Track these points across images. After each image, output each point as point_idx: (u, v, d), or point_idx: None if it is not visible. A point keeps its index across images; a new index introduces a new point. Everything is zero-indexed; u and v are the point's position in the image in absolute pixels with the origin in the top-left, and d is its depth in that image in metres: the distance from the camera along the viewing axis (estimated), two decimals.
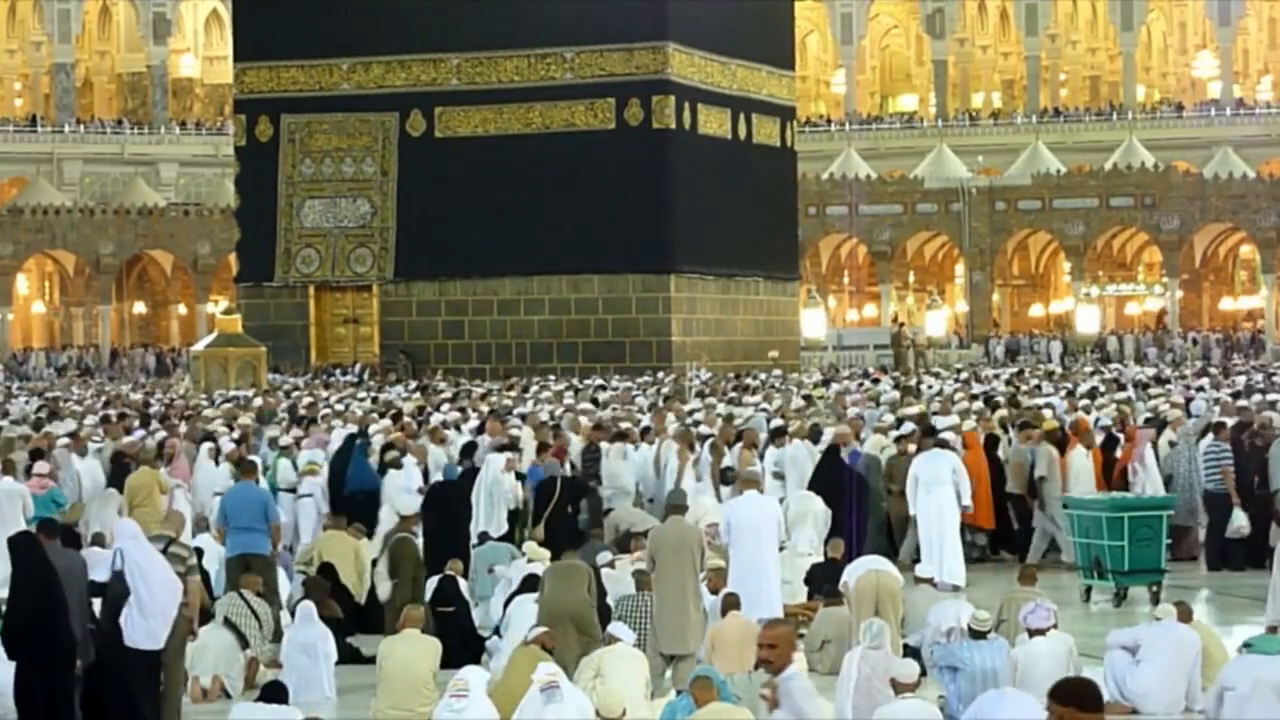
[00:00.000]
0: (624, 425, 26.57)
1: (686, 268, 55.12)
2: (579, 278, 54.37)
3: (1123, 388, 35.59)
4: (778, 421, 26.49)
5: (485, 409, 31.82)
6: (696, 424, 26.86)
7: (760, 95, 59.14)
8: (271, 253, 56.32)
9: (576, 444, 24.93)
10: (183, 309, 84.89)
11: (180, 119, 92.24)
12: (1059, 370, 51.34)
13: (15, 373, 69.84)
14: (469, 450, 23.97)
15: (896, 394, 34.29)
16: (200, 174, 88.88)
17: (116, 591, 13.66)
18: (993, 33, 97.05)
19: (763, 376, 45.31)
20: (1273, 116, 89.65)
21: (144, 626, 13.58)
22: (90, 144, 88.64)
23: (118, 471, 23.14)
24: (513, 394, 38.47)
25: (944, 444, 21.64)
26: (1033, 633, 14.34)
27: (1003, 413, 26.59)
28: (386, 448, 23.30)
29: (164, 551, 14.43)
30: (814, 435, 24.28)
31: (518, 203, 53.69)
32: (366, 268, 56.03)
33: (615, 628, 14.62)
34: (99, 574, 14.05)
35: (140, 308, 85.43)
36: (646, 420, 27.76)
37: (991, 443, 23.74)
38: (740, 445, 23.85)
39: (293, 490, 23.41)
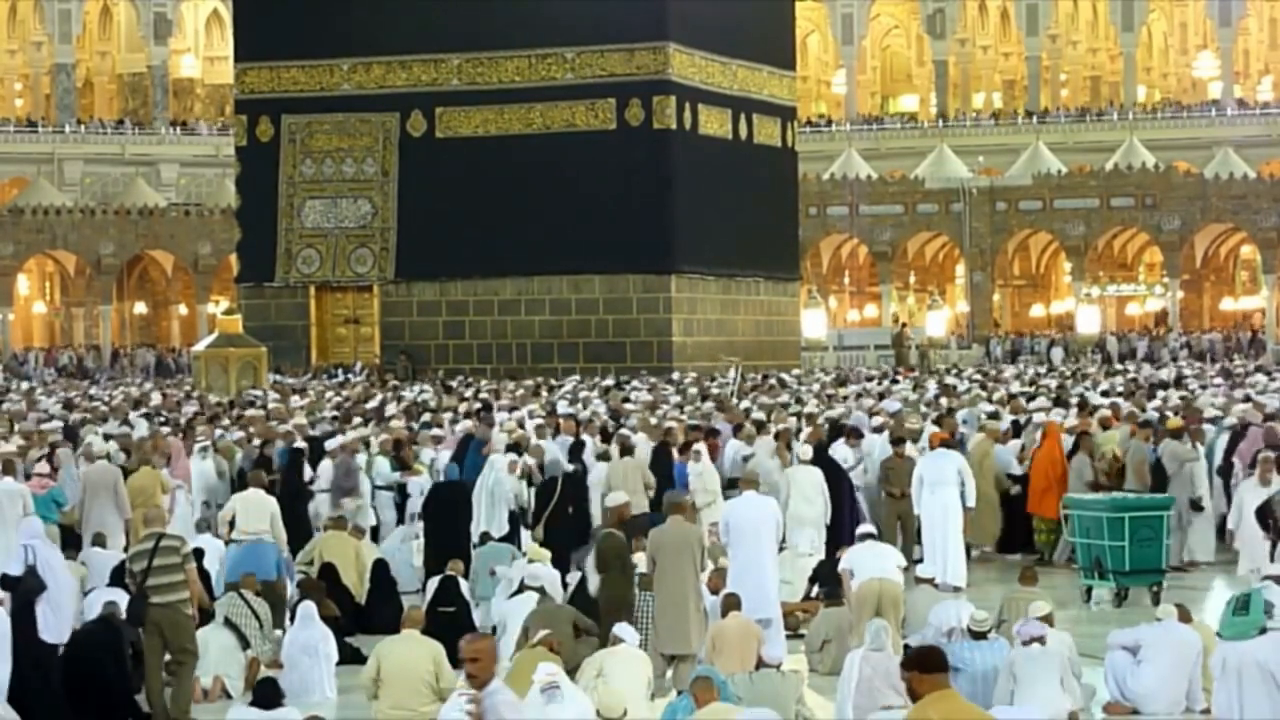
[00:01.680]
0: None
1: (687, 268, 55.10)
2: (580, 278, 54.35)
3: (1155, 386, 35.79)
4: (876, 420, 26.56)
5: (532, 409, 31.60)
6: (760, 422, 26.72)
7: (761, 95, 59.13)
8: (272, 253, 56.31)
9: (645, 445, 24.27)
10: (183, 309, 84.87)
11: (181, 119, 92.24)
12: (1067, 371, 51.18)
13: (16, 373, 69.75)
14: (577, 449, 24.01)
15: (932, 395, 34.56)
16: (201, 174, 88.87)
17: (29, 585, 13.88)
18: (993, 33, 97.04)
19: (784, 377, 45.44)
20: (1273, 117, 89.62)
21: (54, 622, 13.99)
22: (91, 144, 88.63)
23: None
24: (541, 395, 38.41)
25: (951, 444, 21.67)
26: (1029, 642, 14.38)
27: (1105, 412, 26.55)
28: (511, 447, 23.29)
29: (156, 546, 14.44)
30: (912, 435, 24.36)
31: (518, 203, 53.68)
32: (367, 268, 56.03)
33: (620, 629, 14.63)
34: (12, 568, 14.26)
35: (141, 308, 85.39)
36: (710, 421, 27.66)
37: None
38: (841, 441, 23.88)
39: (390, 488, 23.45)
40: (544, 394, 38.66)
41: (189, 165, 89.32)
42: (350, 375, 52.38)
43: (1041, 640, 14.15)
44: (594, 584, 16.22)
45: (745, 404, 31.98)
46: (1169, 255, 78.87)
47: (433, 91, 55.67)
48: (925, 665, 8.75)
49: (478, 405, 32.75)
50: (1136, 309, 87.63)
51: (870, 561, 16.58)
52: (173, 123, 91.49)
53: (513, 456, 22.43)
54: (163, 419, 30.89)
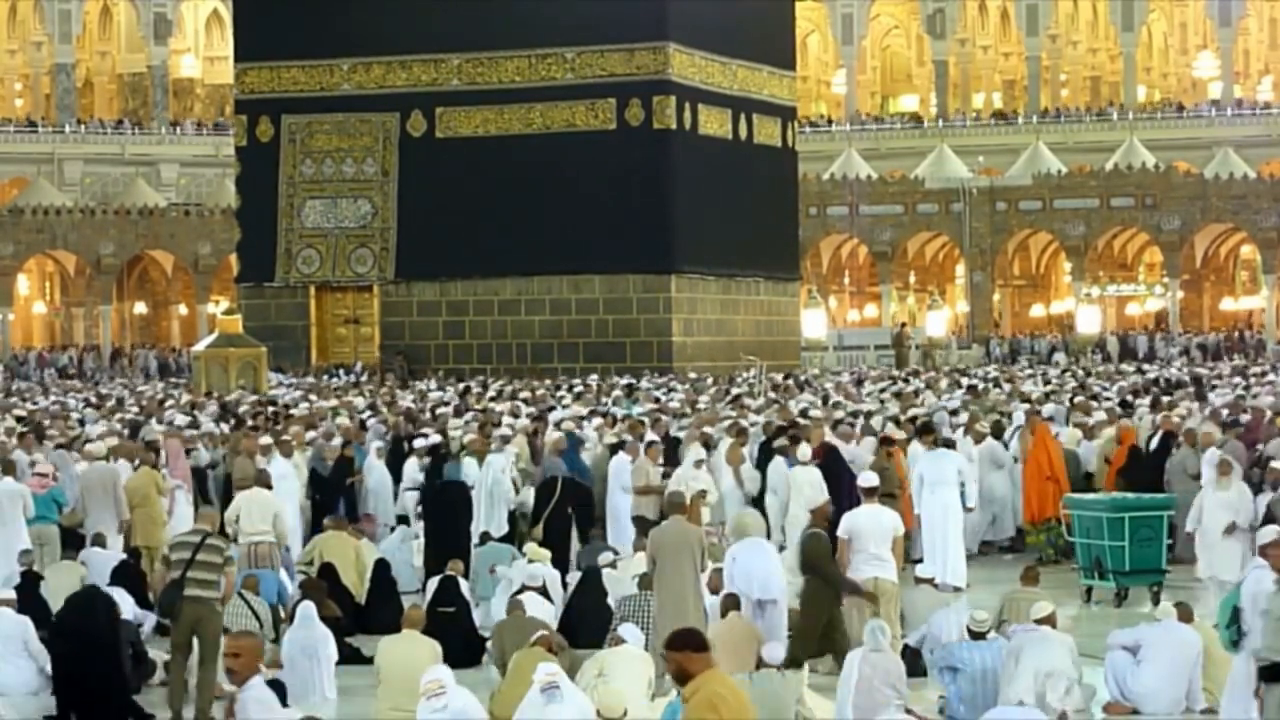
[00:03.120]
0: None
1: (687, 268, 55.11)
2: (580, 278, 54.35)
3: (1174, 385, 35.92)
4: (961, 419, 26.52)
5: (579, 411, 31.33)
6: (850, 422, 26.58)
7: (761, 95, 59.13)
8: (272, 253, 56.31)
9: (726, 442, 24.08)
10: (183, 309, 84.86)
11: (181, 119, 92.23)
12: (1080, 371, 51.06)
13: (16, 373, 69.75)
14: (673, 447, 23.95)
15: (962, 393, 34.68)
16: (201, 174, 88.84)
17: None
18: (993, 33, 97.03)
19: (804, 376, 45.45)
20: (1273, 117, 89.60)
21: None
22: (91, 144, 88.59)
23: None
24: (562, 395, 38.25)
25: (950, 444, 21.63)
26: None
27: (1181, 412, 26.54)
28: (616, 447, 23.26)
29: (200, 544, 14.61)
30: (997, 432, 24.24)
31: (518, 203, 53.68)
32: (367, 268, 56.03)
33: (624, 630, 14.62)
34: None
35: (141, 308, 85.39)
36: (763, 418, 27.41)
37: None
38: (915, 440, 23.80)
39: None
40: (553, 395, 38.53)
41: (189, 165, 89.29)
42: (351, 375, 52.39)
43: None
44: (795, 585, 16.10)
45: (802, 404, 31.88)
46: (1169, 255, 78.87)
47: (433, 91, 55.67)
48: (696, 645, 9.14)
49: (536, 407, 32.48)
50: (1136, 309, 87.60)
51: (868, 528, 16.11)
52: (173, 123, 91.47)
53: (511, 457, 22.39)
54: (248, 420, 29.94)
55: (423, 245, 54.60)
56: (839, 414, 28.13)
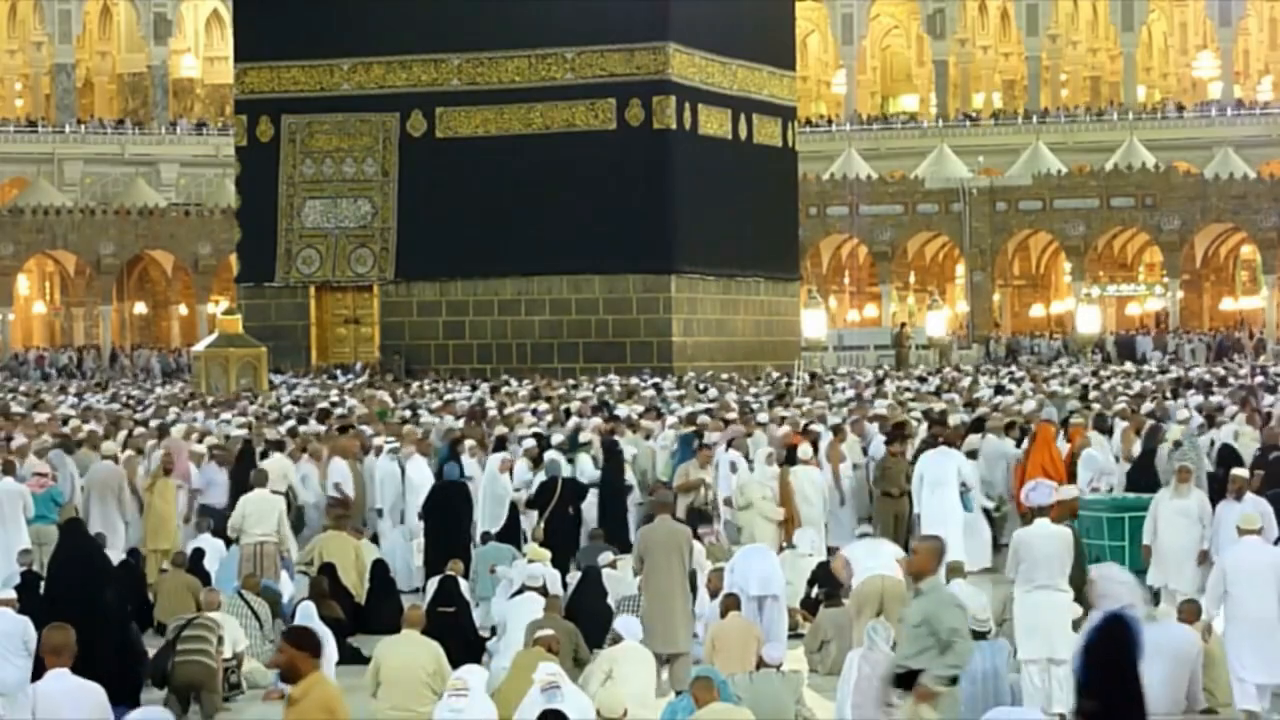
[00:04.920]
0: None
1: (687, 268, 55.10)
2: (580, 278, 54.35)
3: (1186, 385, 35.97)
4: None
5: (637, 409, 31.27)
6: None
7: (761, 95, 59.13)
8: (272, 253, 56.32)
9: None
10: (183, 309, 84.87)
11: (181, 119, 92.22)
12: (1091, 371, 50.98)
13: (15, 373, 69.72)
14: (790, 450, 23.99)
15: (989, 391, 34.67)
16: (201, 174, 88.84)
17: None
18: (993, 33, 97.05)
19: (829, 375, 45.52)
20: (1273, 117, 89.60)
21: None
22: (91, 144, 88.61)
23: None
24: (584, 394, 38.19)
25: (950, 443, 21.63)
26: (1035, 512, 14.41)
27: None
28: (731, 443, 23.32)
29: (187, 625, 14.82)
30: (1100, 426, 24.18)
31: (519, 203, 53.68)
32: (367, 268, 56.04)
33: (621, 624, 14.60)
34: None
35: (141, 308, 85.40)
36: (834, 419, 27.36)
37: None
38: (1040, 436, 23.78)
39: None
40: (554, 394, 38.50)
41: (189, 165, 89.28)
42: (351, 375, 52.37)
43: (1046, 511, 14.13)
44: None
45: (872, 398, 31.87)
46: (1169, 255, 78.88)
47: (433, 91, 55.67)
48: (312, 648, 9.05)
49: (594, 404, 32.37)
50: (1136, 309, 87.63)
51: (865, 560, 16.33)
52: (173, 123, 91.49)
53: (505, 456, 22.39)
54: (338, 420, 29.27)
55: (423, 245, 54.61)
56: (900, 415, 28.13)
